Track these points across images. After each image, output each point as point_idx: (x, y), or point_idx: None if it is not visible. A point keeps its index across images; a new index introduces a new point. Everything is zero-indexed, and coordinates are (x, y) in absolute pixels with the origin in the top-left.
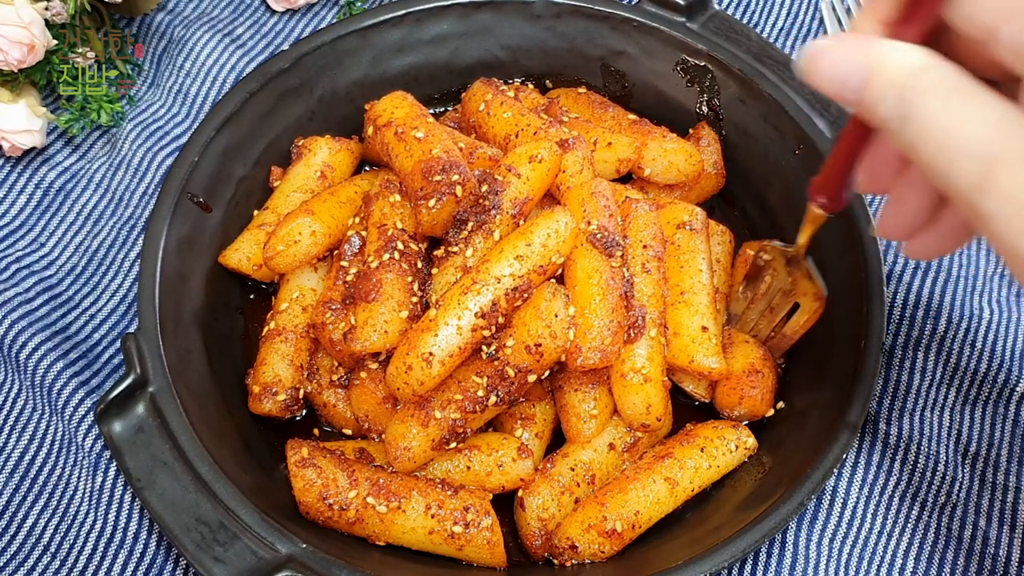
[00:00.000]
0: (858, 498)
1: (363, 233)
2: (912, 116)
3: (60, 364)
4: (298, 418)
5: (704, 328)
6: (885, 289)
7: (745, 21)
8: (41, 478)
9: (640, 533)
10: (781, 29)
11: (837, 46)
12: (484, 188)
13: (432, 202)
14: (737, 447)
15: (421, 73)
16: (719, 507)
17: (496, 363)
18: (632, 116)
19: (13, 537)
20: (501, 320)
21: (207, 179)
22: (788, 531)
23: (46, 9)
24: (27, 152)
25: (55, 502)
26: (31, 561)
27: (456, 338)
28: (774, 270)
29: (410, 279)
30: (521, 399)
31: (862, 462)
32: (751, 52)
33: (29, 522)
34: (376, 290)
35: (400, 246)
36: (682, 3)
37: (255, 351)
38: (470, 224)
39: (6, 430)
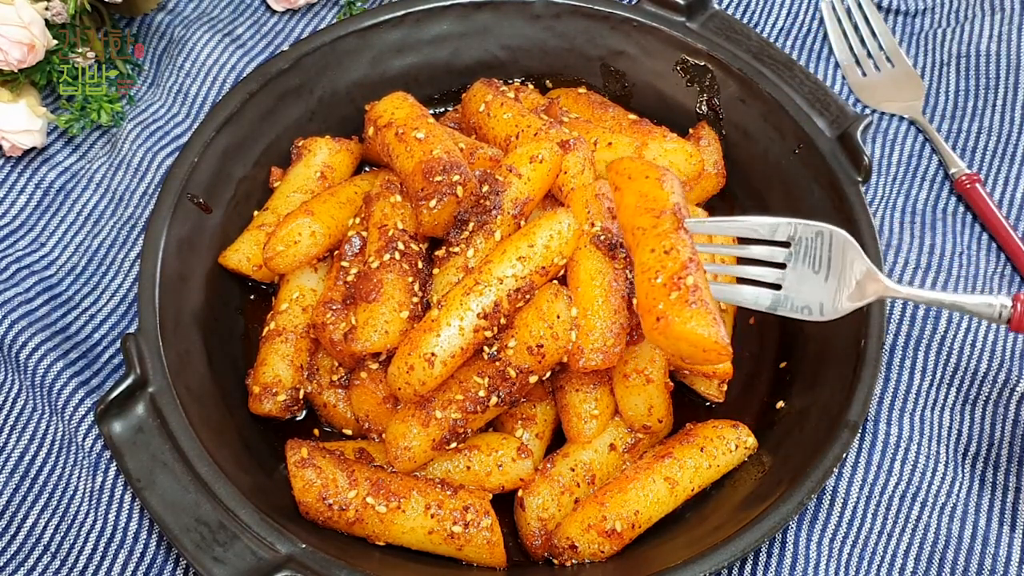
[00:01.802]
0: (858, 498)
1: (364, 233)
2: None
3: (60, 364)
4: (298, 418)
5: None
6: None
7: (745, 21)
8: (41, 478)
9: (640, 533)
10: (781, 29)
11: None
12: (485, 188)
13: (433, 202)
14: (737, 447)
15: (421, 73)
16: (719, 507)
17: (498, 364)
18: (632, 116)
19: (13, 537)
20: (503, 321)
21: (207, 179)
22: (788, 531)
23: (46, 9)
24: (27, 152)
25: (55, 502)
26: (31, 561)
27: (458, 338)
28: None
29: (411, 279)
30: (522, 399)
31: (862, 462)
32: (751, 52)
33: (29, 522)
34: (377, 290)
35: (401, 246)
36: (682, 3)
37: (255, 351)
38: (471, 224)
39: (6, 430)
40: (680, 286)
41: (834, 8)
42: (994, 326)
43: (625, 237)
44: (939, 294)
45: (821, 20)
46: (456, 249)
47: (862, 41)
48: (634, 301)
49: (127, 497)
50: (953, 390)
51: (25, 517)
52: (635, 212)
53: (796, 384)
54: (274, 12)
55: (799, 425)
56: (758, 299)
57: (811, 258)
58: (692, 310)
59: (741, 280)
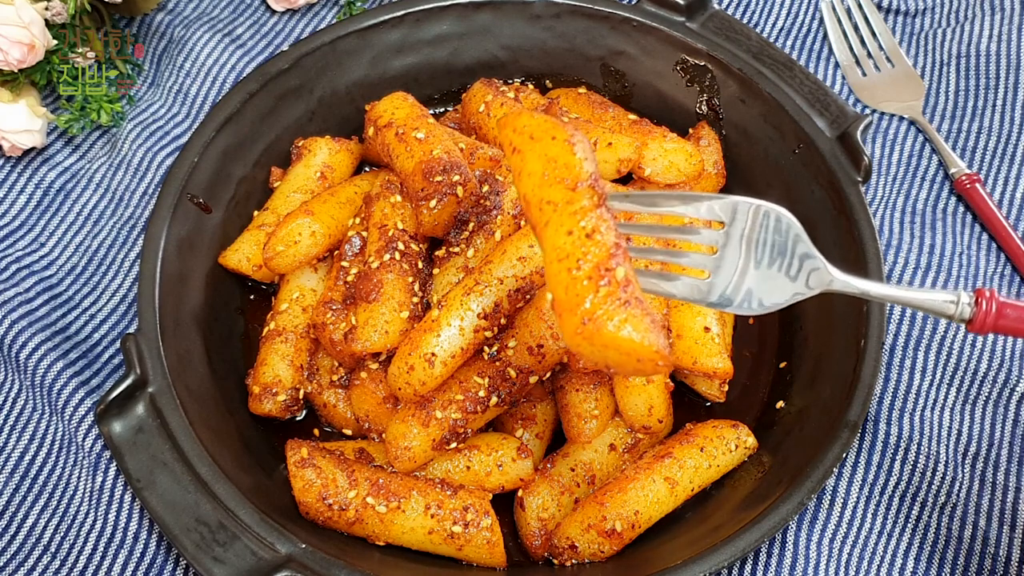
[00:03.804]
0: (858, 498)
1: (364, 233)
2: None
3: (60, 364)
4: (298, 418)
5: (707, 329)
6: None
7: (745, 21)
8: (41, 478)
9: (640, 533)
10: (781, 29)
11: None
12: (485, 188)
13: (433, 202)
14: (737, 447)
15: (421, 73)
16: (719, 507)
17: (498, 364)
18: (632, 116)
19: (13, 537)
20: (503, 321)
21: (207, 180)
22: (788, 531)
23: (46, 9)
24: (27, 152)
25: (55, 502)
26: (31, 561)
27: (459, 339)
28: None
29: (411, 279)
30: (522, 399)
31: (862, 462)
32: (751, 52)
33: (29, 522)
34: (377, 290)
35: (401, 246)
36: (682, 3)
37: (255, 352)
38: (471, 224)
39: (6, 430)
40: (609, 280)
41: (834, 8)
42: None
43: (529, 212)
44: (893, 289)
45: (821, 20)
46: (456, 249)
47: (862, 41)
48: (548, 296)
49: (127, 497)
50: (953, 390)
51: (25, 517)
52: (543, 182)
53: (796, 384)
54: (274, 12)
55: (799, 425)
56: (698, 292)
57: (750, 242)
58: (627, 311)
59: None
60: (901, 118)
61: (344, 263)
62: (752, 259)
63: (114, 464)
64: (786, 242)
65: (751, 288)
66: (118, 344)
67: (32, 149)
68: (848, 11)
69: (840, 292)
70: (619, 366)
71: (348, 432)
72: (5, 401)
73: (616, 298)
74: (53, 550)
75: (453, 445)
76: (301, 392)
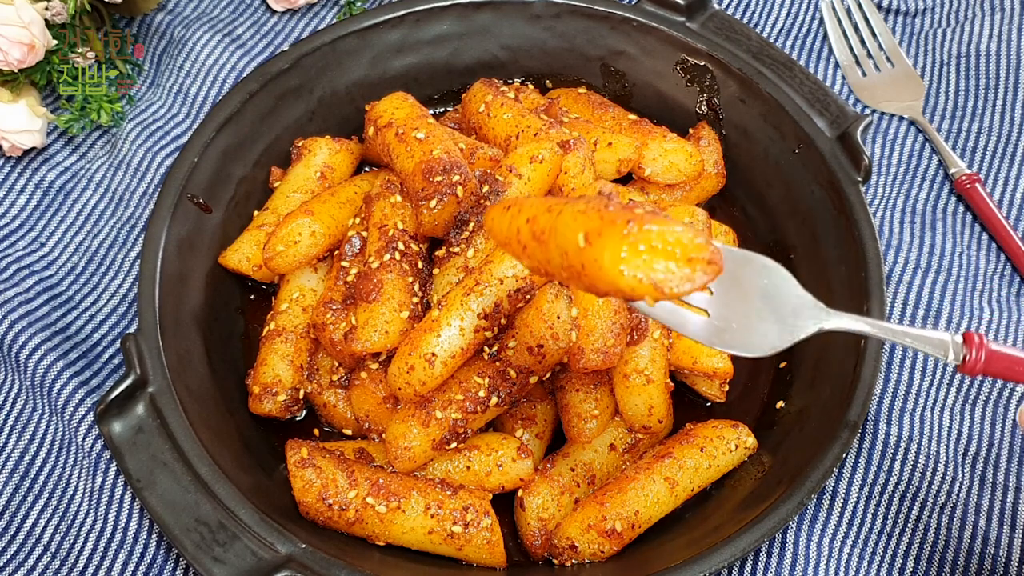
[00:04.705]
0: (858, 498)
1: (364, 233)
2: None
3: (60, 364)
4: (298, 418)
5: None
6: (885, 289)
7: (745, 21)
8: (41, 478)
9: (640, 533)
10: (781, 29)
11: None
12: (485, 189)
13: (433, 203)
14: (737, 447)
15: (421, 73)
16: (719, 507)
17: (498, 364)
18: (632, 116)
19: (13, 537)
20: (503, 321)
21: (207, 180)
22: (788, 531)
23: (46, 9)
24: (27, 152)
25: (55, 502)
26: (31, 561)
27: (459, 339)
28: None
29: (411, 279)
30: (522, 399)
31: (862, 462)
32: (751, 52)
33: (29, 522)
34: (377, 290)
35: (401, 246)
36: (682, 3)
37: (255, 352)
38: (471, 224)
39: (6, 430)
40: (642, 207)
41: (834, 8)
42: (994, 326)
43: (536, 222)
44: (888, 326)
45: (821, 20)
46: (456, 249)
47: (862, 41)
48: (579, 236)
49: (127, 497)
50: (953, 390)
51: (25, 517)
52: (551, 203)
53: (796, 384)
54: (274, 12)
55: (799, 425)
56: (702, 330)
57: (741, 288)
58: (666, 217)
59: None
60: (901, 118)
61: (344, 263)
62: (743, 303)
63: (114, 464)
64: (775, 288)
65: (744, 331)
66: (118, 344)
67: (32, 149)
68: (848, 11)
69: (835, 331)
70: (667, 274)
71: (348, 432)
72: (5, 401)
73: (654, 213)
74: (53, 550)
75: (453, 445)
76: (301, 392)
